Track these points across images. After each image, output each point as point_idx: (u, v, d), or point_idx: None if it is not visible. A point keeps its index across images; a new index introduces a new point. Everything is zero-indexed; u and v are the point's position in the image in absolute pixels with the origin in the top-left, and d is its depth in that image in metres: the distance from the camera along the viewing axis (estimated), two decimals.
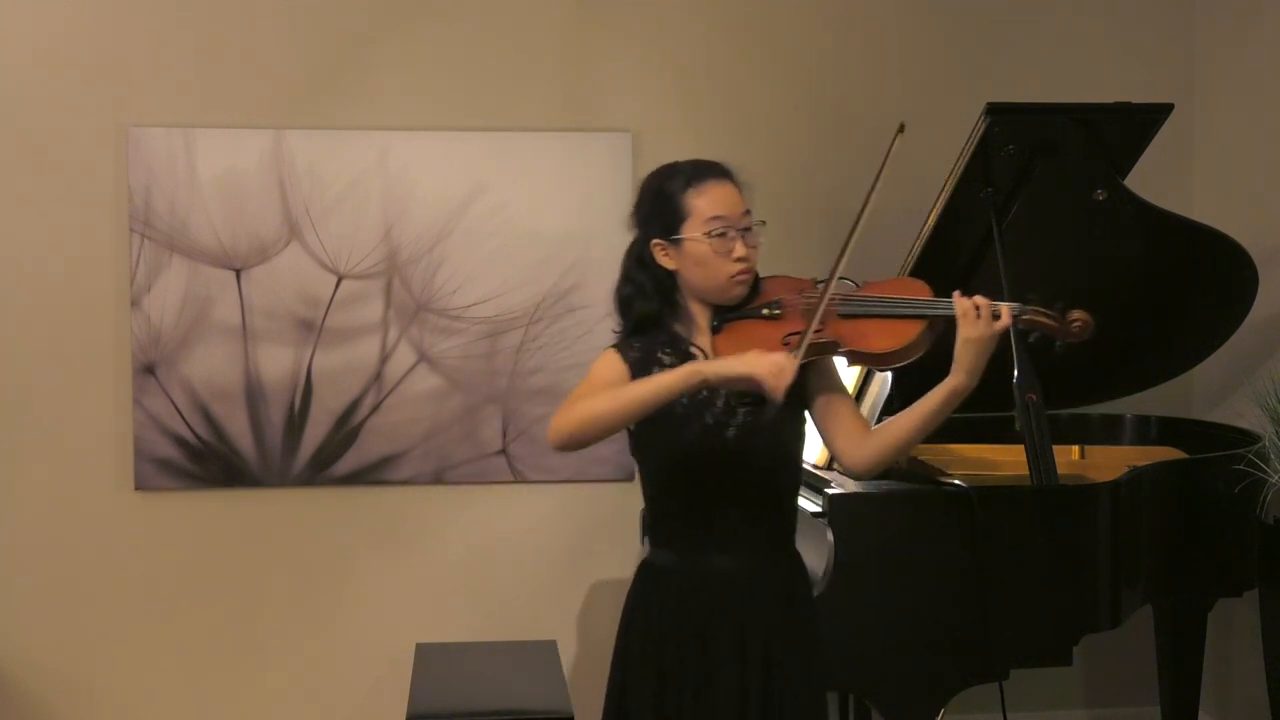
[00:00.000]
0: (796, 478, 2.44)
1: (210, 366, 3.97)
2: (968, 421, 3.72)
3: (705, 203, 2.33)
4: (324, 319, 4.02)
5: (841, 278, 2.36)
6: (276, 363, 4.00)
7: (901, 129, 2.38)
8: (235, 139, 3.95)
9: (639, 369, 2.34)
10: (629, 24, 4.12)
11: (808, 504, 2.91)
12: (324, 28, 4.01)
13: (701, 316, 2.40)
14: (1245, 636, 3.94)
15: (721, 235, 2.32)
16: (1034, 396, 2.95)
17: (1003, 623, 2.83)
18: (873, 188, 2.33)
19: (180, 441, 3.98)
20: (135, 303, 3.94)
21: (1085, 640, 2.92)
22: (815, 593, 2.75)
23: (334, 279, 4.01)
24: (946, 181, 3.22)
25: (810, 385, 2.37)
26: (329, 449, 4.03)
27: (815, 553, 2.87)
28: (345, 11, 4.02)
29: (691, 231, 2.33)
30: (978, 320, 2.26)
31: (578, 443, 2.27)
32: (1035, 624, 2.88)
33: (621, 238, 2.47)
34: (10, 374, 3.94)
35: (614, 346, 2.40)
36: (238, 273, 3.98)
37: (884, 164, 2.34)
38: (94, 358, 3.97)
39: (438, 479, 4.06)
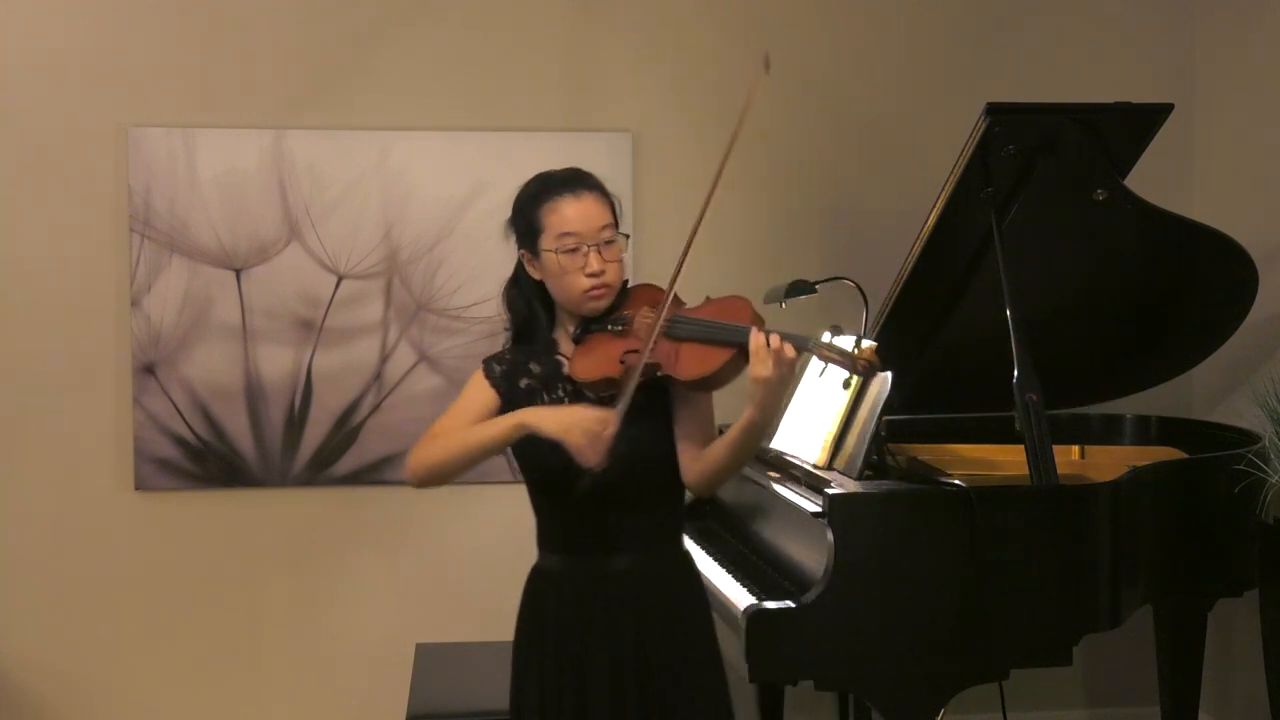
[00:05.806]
0: (667, 474, 2.42)
1: (210, 366, 3.97)
2: (968, 421, 3.75)
3: (556, 219, 2.38)
4: (324, 319, 4.02)
5: (680, 298, 2.35)
6: (276, 363, 4.00)
7: (766, 65, 2.32)
8: (235, 139, 3.95)
9: (505, 382, 2.44)
10: (629, 24, 4.12)
11: (807, 504, 2.91)
12: (324, 28, 4.01)
13: (570, 324, 2.44)
14: (1245, 636, 3.94)
15: (572, 251, 2.35)
16: (1034, 396, 2.95)
17: (1003, 623, 2.83)
18: (726, 154, 2.30)
19: (180, 441, 3.98)
20: (135, 303, 3.94)
21: (1085, 640, 2.91)
22: (815, 593, 2.75)
23: (334, 279, 4.01)
24: (946, 181, 3.21)
25: (673, 391, 2.38)
26: (329, 449, 4.03)
27: (815, 553, 2.87)
28: (345, 12, 4.02)
29: (545, 245, 2.38)
30: (766, 359, 2.20)
31: (430, 485, 2.45)
32: (1035, 624, 2.87)
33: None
34: (10, 374, 3.94)
35: (482, 364, 2.48)
36: (238, 273, 3.98)
37: (744, 111, 2.30)
38: (94, 358, 3.97)
39: None
